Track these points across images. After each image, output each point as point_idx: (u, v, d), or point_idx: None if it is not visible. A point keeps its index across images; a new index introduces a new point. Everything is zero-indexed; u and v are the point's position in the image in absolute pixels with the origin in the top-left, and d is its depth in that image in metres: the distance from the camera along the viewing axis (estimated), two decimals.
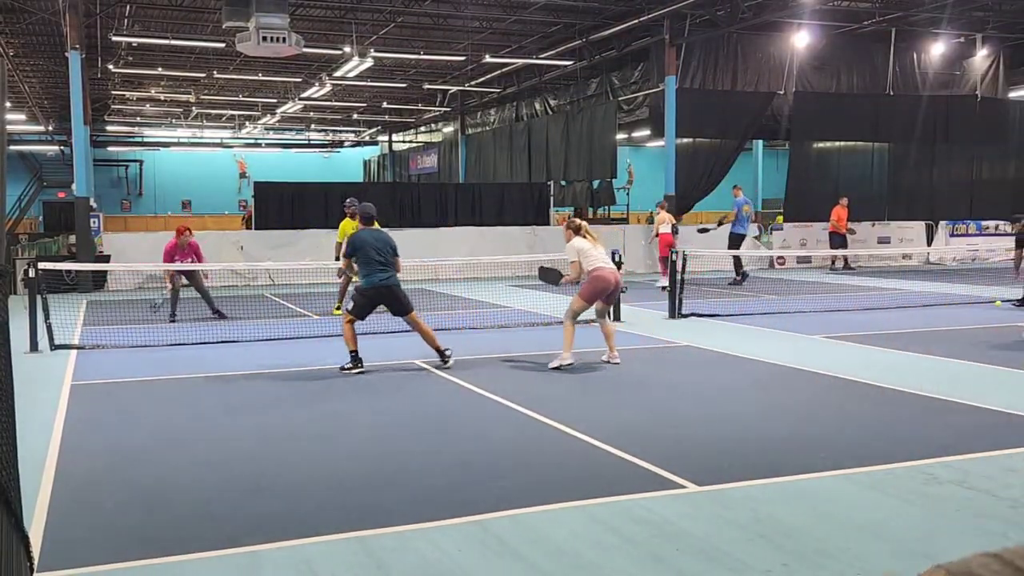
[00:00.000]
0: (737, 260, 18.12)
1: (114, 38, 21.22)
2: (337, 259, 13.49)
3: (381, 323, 12.21)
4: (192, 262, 13.01)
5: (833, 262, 21.57)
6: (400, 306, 9.11)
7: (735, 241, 18.40)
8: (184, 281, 13.19)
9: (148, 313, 13.26)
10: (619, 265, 10.06)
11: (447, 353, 9.05)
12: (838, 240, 20.92)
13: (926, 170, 23.90)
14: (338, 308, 13.47)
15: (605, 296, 9.24)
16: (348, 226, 13.59)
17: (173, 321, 12.56)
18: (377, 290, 8.91)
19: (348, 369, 8.79)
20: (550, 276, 9.95)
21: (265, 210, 21.01)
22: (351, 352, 8.86)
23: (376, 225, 9.46)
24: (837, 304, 14.33)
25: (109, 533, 4.51)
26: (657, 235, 17.83)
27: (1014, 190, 24.73)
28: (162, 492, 5.14)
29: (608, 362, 9.19)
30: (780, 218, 24.83)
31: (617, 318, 10.52)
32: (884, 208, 23.71)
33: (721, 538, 4.32)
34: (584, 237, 9.22)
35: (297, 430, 6.64)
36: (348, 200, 13.96)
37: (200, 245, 13.58)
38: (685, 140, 21.81)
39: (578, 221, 9.60)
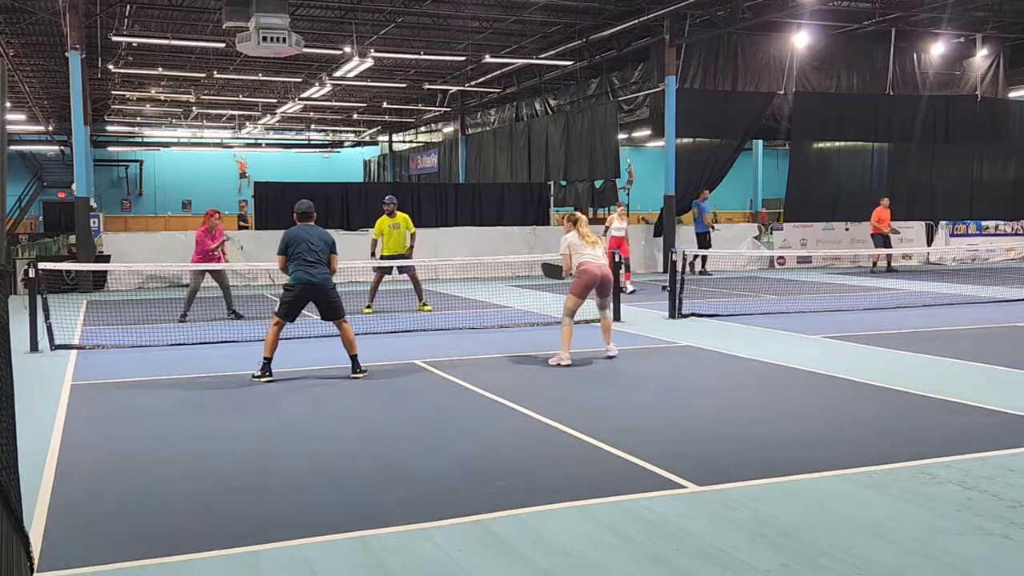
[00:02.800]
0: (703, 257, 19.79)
1: (114, 38, 21.22)
2: (372, 255, 13.56)
3: (381, 323, 12.24)
4: (224, 243, 13.08)
5: (875, 263, 21.38)
6: (330, 309, 8.71)
7: (700, 240, 20.48)
8: (206, 280, 13.20)
9: (149, 313, 13.22)
10: (621, 266, 10.20)
11: (363, 369, 8.64)
12: (880, 240, 20.74)
13: (926, 170, 23.87)
14: (369, 307, 13.45)
15: (596, 289, 9.33)
16: (384, 223, 13.62)
17: (183, 321, 12.46)
18: (305, 287, 8.59)
19: (257, 377, 8.37)
20: (553, 272, 10.51)
21: (265, 210, 21.00)
22: (265, 358, 8.44)
23: (312, 222, 9.08)
24: (837, 304, 14.33)
25: (109, 533, 4.52)
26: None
27: (1014, 190, 24.73)
28: (162, 492, 5.14)
29: (607, 356, 9.34)
30: (781, 217, 24.84)
31: (617, 318, 10.52)
32: None
33: (721, 538, 4.32)
34: (578, 231, 9.34)
35: (297, 430, 6.64)
36: (388, 197, 13.80)
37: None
38: (685, 140, 21.80)
39: (577, 215, 9.69)
